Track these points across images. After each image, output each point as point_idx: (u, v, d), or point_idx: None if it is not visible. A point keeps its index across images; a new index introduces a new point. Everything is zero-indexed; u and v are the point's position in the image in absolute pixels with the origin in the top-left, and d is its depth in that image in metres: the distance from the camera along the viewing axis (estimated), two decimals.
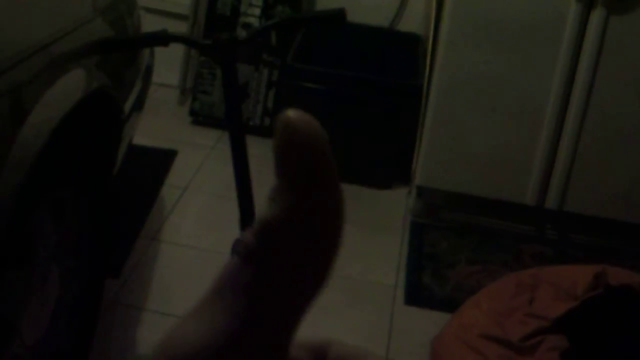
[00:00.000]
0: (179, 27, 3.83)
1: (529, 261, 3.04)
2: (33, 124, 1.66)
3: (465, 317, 2.51)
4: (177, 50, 3.79)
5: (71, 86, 1.86)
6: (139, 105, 2.54)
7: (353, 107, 3.43)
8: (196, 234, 3.05)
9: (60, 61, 1.86)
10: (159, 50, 2.63)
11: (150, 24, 2.67)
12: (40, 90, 1.75)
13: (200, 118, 3.83)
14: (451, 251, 3.10)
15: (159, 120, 3.70)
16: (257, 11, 3.80)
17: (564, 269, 2.66)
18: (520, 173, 3.12)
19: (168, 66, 3.85)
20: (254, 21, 3.78)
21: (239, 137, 2.31)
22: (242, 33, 3.63)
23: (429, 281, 2.93)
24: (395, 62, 3.62)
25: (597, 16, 2.89)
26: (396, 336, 2.68)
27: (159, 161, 3.47)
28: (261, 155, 3.59)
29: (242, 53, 3.71)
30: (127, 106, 2.34)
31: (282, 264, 0.30)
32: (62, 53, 1.86)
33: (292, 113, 0.31)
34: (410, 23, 3.82)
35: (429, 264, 3.02)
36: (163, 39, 2.14)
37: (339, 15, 2.17)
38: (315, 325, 2.69)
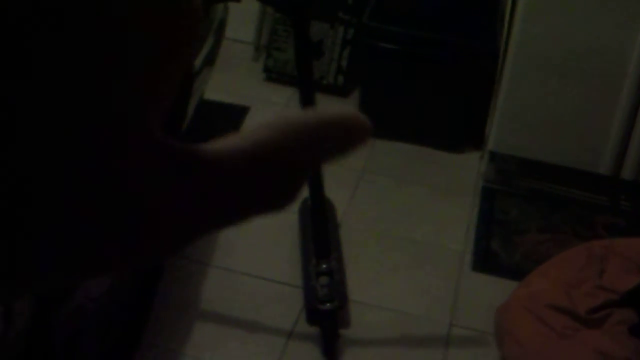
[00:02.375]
0: None
1: (601, 232, 2.98)
2: None
3: (533, 286, 2.48)
4: (252, 6, 3.77)
5: None
6: (210, 59, 2.53)
7: (428, 68, 3.39)
8: None
9: None
10: (234, 6, 2.62)
11: None
12: None
13: (274, 75, 3.81)
14: (522, 218, 3.05)
15: (232, 75, 3.70)
16: None
17: (637, 242, 2.60)
18: (596, 141, 3.06)
19: (243, 22, 3.83)
20: None
21: (309, 96, 2.29)
22: None
23: (497, 248, 2.89)
24: (472, 23, 3.56)
25: None
26: (461, 302, 2.65)
27: (231, 117, 3.47)
28: None
29: (317, 11, 3.69)
30: (199, 60, 2.34)
31: None
32: None
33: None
34: None
35: (499, 231, 2.98)
36: None
37: None
38: (381, 285, 2.70)
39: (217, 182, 0.28)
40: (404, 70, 3.40)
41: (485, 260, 2.84)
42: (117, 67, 0.25)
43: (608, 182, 3.13)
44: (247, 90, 3.71)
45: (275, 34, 3.82)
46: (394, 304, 2.61)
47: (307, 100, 2.30)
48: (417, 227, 2.97)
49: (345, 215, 2.97)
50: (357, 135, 0.32)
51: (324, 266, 2.42)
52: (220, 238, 2.75)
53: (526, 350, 2.33)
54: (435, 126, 3.48)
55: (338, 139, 0.31)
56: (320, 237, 2.47)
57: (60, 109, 0.25)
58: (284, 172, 0.30)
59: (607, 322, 2.32)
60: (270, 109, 3.57)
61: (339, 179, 3.09)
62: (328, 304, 2.38)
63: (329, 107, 3.45)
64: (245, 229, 2.79)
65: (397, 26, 3.42)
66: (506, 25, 3.18)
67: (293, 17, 2.21)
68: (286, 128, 0.30)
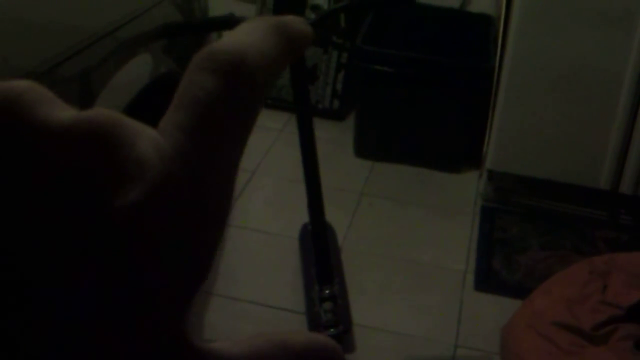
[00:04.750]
0: (247, 11, 3.83)
1: (602, 247, 2.98)
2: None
3: (536, 304, 2.47)
4: None
5: (138, 71, 1.86)
6: None
7: (423, 89, 3.39)
8: (264, 217, 3.05)
9: (127, 46, 1.86)
10: (226, 35, 2.62)
11: (217, 8, 2.66)
12: (107, 75, 1.75)
13: (270, 101, 3.82)
14: (522, 236, 3.05)
15: None
16: None
17: (638, 256, 2.60)
18: (594, 157, 3.06)
19: None
20: (323, 3, 3.75)
21: (306, 120, 2.29)
22: (310, 15, 3.61)
23: (499, 267, 2.89)
24: (466, 43, 3.57)
25: None
26: (466, 322, 2.65)
27: None
28: (331, 138, 3.58)
29: None
30: None
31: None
32: (129, 38, 1.86)
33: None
34: (481, 3, 3.76)
35: (500, 249, 2.98)
36: (230, 22, 2.13)
37: None
38: (385, 308, 2.69)
39: None
40: (399, 92, 3.40)
41: (488, 279, 2.83)
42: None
43: (607, 197, 3.13)
44: None
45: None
46: (398, 326, 2.60)
47: (304, 125, 2.30)
48: (418, 248, 2.97)
49: (346, 239, 2.96)
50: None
51: (327, 291, 2.42)
52: (223, 266, 2.74)
53: None
54: (432, 147, 3.48)
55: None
56: (322, 262, 2.46)
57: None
58: None
59: (612, 337, 2.31)
60: (266, 135, 3.57)
61: (339, 203, 3.09)
62: (332, 329, 2.38)
63: (325, 132, 3.45)
64: (248, 256, 2.79)
65: (391, 48, 3.42)
66: (500, 44, 3.19)
67: None
68: (280, 345, 0.30)
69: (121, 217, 0.25)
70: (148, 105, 1.92)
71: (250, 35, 0.30)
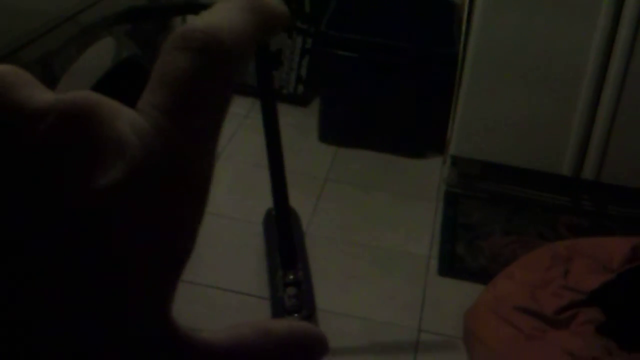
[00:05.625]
0: None
1: (564, 232, 3.00)
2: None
3: (499, 289, 2.48)
4: None
5: (100, 55, 1.84)
6: None
7: (387, 75, 3.39)
8: (228, 203, 3.04)
9: (89, 30, 1.84)
10: (190, 19, 2.61)
11: None
12: (69, 60, 1.73)
13: (234, 86, 3.80)
14: (486, 221, 3.07)
15: None
16: None
17: (600, 241, 2.62)
18: (556, 143, 3.08)
19: None
20: None
21: (270, 106, 2.29)
22: None
23: (463, 252, 2.90)
24: (430, 29, 3.58)
25: None
26: (429, 307, 2.66)
27: None
28: (295, 123, 3.58)
29: None
30: None
31: None
32: (91, 22, 1.85)
33: None
34: None
35: (463, 235, 2.99)
36: (193, 7, 2.12)
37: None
38: (348, 293, 2.70)
39: None
40: (363, 78, 3.40)
41: (451, 264, 2.84)
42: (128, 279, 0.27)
43: (570, 183, 3.15)
44: None
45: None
46: (362, 311, 2.61)
47: (268, 111, 2.29)
48: (382, 233, 2.98)
49: (310, 224, 2.96)
50: (316, 353, 0.31)
51: (291, 277, 2.41)
52: None
53: (495, 353, 2.34)
54: (396, 132, 3.49)
55: (302, 353, 0.31)
56: (286, 248, 2.46)
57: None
58: None
59: (574, 322, 2.33)
60: (231, 121, 3.56)
61: (303, 188, 3.08)
62: (296, 315, 2.37)
63: (289, 117, 3.44)
64: (211, 241, 2.78)
65: (355, 34, 3.42)
66: (463, 29, 3.19)
67: None
68: (263, 332, 0.30)
69: (102, 196, 0.26)
70: (111, 90, 1.90)
71: (225, 13, 0.30)
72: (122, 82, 1.98)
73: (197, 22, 0.29)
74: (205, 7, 2.17)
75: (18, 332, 0.25)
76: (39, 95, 0.26)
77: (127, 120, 0.27)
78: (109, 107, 0.27)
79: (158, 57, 0.29)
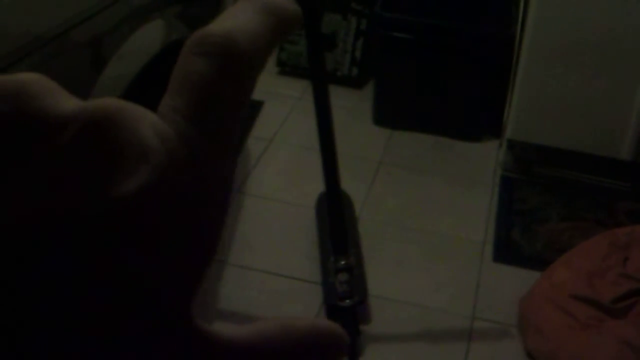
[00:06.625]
0: None
1: (623, 219, 2.93)
2: (109, 76, 1.63)
3: (555, 277, 2.44)
4: None
5: (149, 38, 1.83)
6: None
7: (443, 57, 3.35)
8: (280, 187, 3.02)
9: (139, 12, 1.82)
10: None
11: None
12: (119, 41, 1.72)
13: (287, 68, 3.78)
14: (542, 207, 3.01)
15: None
16: None
17: None
18: (615, 126, 3.01)
19: None
20: None
21: (321, 88, 2.26)
22: None
23: (518, 238, 2.85)
24: (486, 10, 3.51)
25: None
26: (483, 294, 2.62)
27: (246, 112, 3.44)
28: (349, 106, 3.54)
29: (329, 2, 3.65)
30: None
31: None
32: (141, 4, 1.83)
33: None
34: None
35: (519, 220, 2.94)
36: None
37: None
38: (401, 279, 2.67)
39: None
40: (419, 60, 3.36)
41: (506, 250, 2.80)
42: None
43: (629, 167, 3.08)
44: (260, 84, 3.63)
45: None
46: (415, 298, 2.58)
47: (320, 93, 2.26)
48: (436, 218, 2.94)
49: (363, 208, 2.93)
50: (337, 351, 0.32)
51: (343, 262, 2.39)
52: (238, 235, 2.72)
53: (550, 341, 2.30)
54: (452, 115, 3.44)
55: (324, 351, 0.31)
56: (338, 233, 2.43)
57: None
58: None
59: (632, 311, 2.28)
60: (284, 103, 3.54)
61: (356, 172, 3.06)
62: (347, 301, 2.35)
63: (344, 100, 3.41)
64: (263, 226, 2.77)
65: (411, 15, 3.37)
66: (521, 10, 3.13)
67: (304, 9, 2.18)
68: (284, 329, 0.31)
69: (126, 203, 0.26)
70: (159, 73, 1.88)
71: (240, 17, 0.30)
72: (171, 65, 1.97)
73: (213, 26, 0.29)
74: None
75: (40, 332, 0.25)
76: (63, 103, 0.27)
77: (150, 125, 0.27)
78: (132, 112, 0.27)
79: (177, 61, 0.29)
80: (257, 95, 3.55)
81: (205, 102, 0.28)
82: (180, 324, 0.28)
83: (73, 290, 0.25)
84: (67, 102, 0.27)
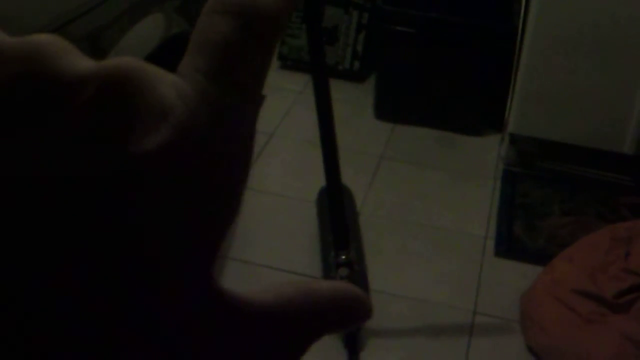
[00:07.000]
0: None
1: (625, 213, 2.92)
2: None
3: (557, 272, 2.43)
4: None
5: (149, 31, 1.82)
6: None
7: (444, 50, 3.34)
8: (282, 181, 3.01)
9: (139, 5, 1.82)
10: None
11: None
12: (118, 35, 1.71)
13: (289, 62, 3.77)
14: (544, 201, 3.00)
15: None
16: None
17: None
18: (618, 120, 3.00)
19: None
20: None
21: (322, 82, 2.25)
22: None
23: (520, 232, 2.84)
24: (489, 3, 3.50)
25: None
26: (485, 289, 2.61)
27: None
28: (351, 100, 3.54)
29: None
30: None
31: None
32: None
33: None
34: None
35: (521, 215, 2.93)
36: None
37: None
38: (403, 273, 2.66)
39: (244, 331, 0.30)
40: (420, 54, 3.35)
41: (508, 245, 2.79)
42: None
43: (632, 161, 3.07)
44: None
45: (288, 20, 3.78)
46: (416, 292, 2.57)
47: (320, 87, 2.25)
48: (437, 213, 2.93)
49: (364, 203, 2.92)
50: (359, 314, 0.32)
51: (343, 257, 2.38)
52: (239, 230, 2.71)
53: (552, 336, 2.29)
54: (453, 109, 3.43)
55: (345, 313, 0.32)
56: (339, 227, 2.42)
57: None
58: (295, 333, 0.31)
59: (634, 306, 2.27)
60: (285, 97, 3.53)
61: (357, 166, 3.05)
62: None
63: (345, 93, 3.40)
64: (264, 220, 2.76)
65: (412, 8, 3.36)
66: (523, 3, 3.12)
67: (304, 2, 2.16)
68: (307, 292, 0.31)
69: (147, 161, 0.26)
70: (160, 66, 1.87)
71: None
72: (171, 59, 1.96)
73: None
74: None
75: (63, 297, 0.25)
76: (80, 63, 0.26)
77: (171, 84, 0.27)
78: (152, 72, 0.27)
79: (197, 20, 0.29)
80: None
81: (228, 61, 0.28)
82: (201, 284, 0.28)
83: (90, 254, 0.25)
84: (84, 62, 0.27)
